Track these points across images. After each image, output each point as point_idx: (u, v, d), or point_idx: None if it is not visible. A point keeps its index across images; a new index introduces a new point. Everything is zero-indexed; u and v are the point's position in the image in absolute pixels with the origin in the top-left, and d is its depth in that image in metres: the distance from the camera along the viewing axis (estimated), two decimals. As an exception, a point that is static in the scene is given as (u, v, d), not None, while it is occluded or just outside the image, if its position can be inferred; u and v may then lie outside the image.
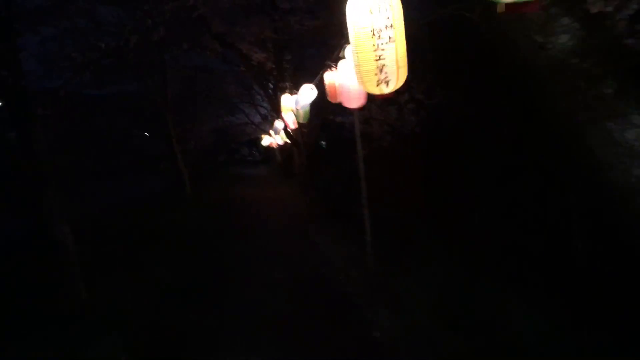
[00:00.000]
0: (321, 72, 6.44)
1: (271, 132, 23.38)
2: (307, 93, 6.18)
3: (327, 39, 14.73)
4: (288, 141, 13.81)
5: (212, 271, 6.05)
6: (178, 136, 17.42)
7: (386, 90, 2.63)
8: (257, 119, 25.52)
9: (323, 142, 21.84)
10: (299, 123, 14.21)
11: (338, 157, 15.39)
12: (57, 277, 5.27)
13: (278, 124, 12.15)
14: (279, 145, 22.15)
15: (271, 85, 15.90)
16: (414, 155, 8.64)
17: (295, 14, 13.16)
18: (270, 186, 17.74)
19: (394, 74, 2.51)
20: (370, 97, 4.65)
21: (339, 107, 9.06)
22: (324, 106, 12.71)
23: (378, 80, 2.53)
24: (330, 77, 5.59)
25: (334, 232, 7.99)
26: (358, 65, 2.53)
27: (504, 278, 4.46)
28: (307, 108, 6.75)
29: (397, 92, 8.09)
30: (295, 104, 6.83)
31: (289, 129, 12.14)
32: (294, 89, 8.98)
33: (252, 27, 12.29)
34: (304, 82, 6.50)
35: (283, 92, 13.41)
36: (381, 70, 2.47)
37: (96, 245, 7.07)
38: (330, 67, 5.28)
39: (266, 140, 25.69)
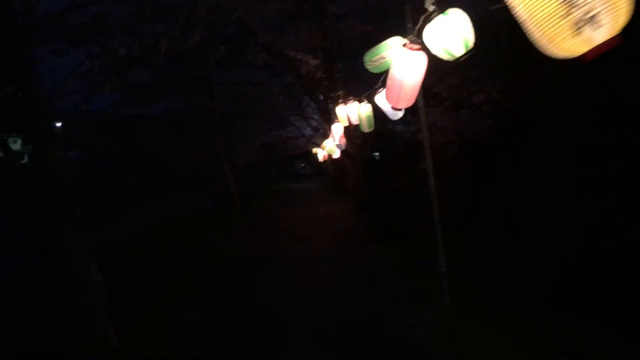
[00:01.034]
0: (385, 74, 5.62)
1: (323, 144, 22.70)
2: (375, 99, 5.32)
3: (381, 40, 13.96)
4: (337, 154, 12.91)
5: (254, 310, 5.17)
6: (227, 152, 16.97)
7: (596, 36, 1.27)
8: (308, 131, 24.85)
9: (376, 154, 20.84)
10: (350, 138, 13.38)
11: (395, 170, 14.34)
12: (82, 321, 4.54)
13: (330, 135, 11.26)
14: (331, 158, 21.39)
15: (322, 97, 15.11)
16: (489, 167, 7.50)
17: (345, 19, 12.37)
18: (323, 202, 16.85)
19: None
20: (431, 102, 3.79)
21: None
22: (376, 115, 11.74)
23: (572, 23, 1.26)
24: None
25: (394, 258, 6.95)
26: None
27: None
28: (371, 115, 5.89)
29: (468, 92, 6.94)
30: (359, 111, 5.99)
31: (341, 142, 11.26)
32: (347, 98, 8.10)
33: (300, 34, 11.56)
34: (357, 92, 5.98)
35: (335, 102, 12.61)
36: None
37: (132, 275, 6.40)
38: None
39: (318, 153, 24.97)
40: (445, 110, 7.56)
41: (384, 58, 3.56)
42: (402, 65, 3.01)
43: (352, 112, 7.14)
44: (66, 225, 4.59)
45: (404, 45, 2.98)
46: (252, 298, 5.59)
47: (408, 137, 19.95)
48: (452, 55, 2.58)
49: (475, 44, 2.58)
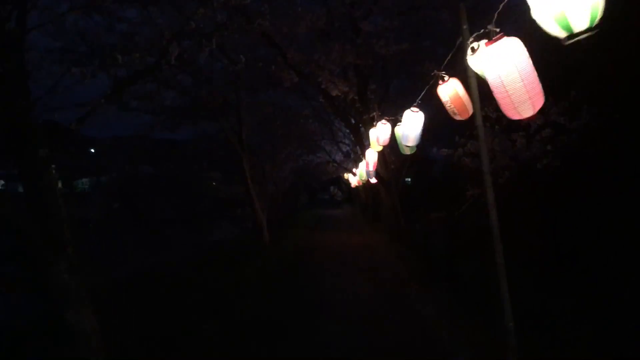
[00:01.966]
0: (425, 89, 4.91)
1: (354, 170, 21.88)
2: (412, 119, 4.63)
3: (413, 65, 13.16)
4: (373, 180, 12.04)
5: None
6: (256, 179, 16.34)
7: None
8: (339, 156, 24.14)
9: (408, 179, 19.88)
10: (384, 162, 12.50)
11: (433, 198, 13.32)
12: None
13: (363, 160, 10.42)
14: (363, 184, 20.55)
15: (353, 121, 14.37)
16: (552, 196, 6.50)
17: (379, 38, 11.68)
18: (355, 231, 15.91)
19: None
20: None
21: (432, 139, 7.41)
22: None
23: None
24: (447, 89, 3.99)
25: (442, 303, 5.96)
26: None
27: None
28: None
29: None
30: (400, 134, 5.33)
31: (375, 169, 10.43)
32: (381, 119, 7.32)
33: (332, 53, 10.88)
34: (390, 115, 5.92)
35: (367, 125, 11.83)
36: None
37: (146, 317, 5.64)
38: (441, 78, 4.08)
39: (349, 179, 24.16)
40: (495, 132, 6.64)
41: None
42: (493, 67, 2.38)
43: (386, 134, 6.37)
44: (61, 265, 3.90)
45: (486, 42, 2.44)
46: (275, 348, 4.71)
47: (446, 162, 19.00)
48: (568, 29, 1.73)
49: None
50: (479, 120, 4.56)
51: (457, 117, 4.05)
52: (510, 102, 2.37)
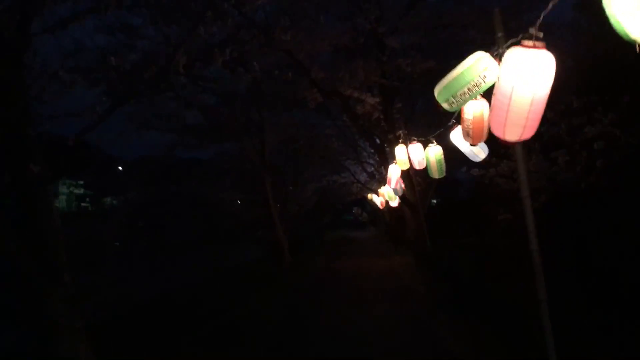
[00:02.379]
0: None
1: (379, 190, 21.36)
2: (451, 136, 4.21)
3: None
4: (395, 202, 11.55)
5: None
6: (278, 199, 16.02)
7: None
8: (363, 177, 23.65)
9: (433, 201, 19.24)
10: (410, 183, 12.01)
11: (460, 221, 12.74)
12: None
13: (387, 179, 9.96)
14: (388, 205, 20.00)
15: (378, 141, 13.95)
16: (591, 220, 5.91)
17: (405, 55, 11.35)
18: (379, 254, 15.34)
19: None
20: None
21: (458, 161, 6.54)
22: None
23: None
24: (475, 108, 3.52)
25: (473, 333, 5.43)
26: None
27: None
28: (442, 158, 5.05)
29: (568, 128, 5.54)
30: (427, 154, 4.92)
31: (397, 186, 9.96)
32: (410, 138, 6.92)
33: (356, 71, 10.56)
34: (417, 134, 5.60)
35: (393, 143, 11.41)
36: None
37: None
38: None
39: (374, 200, 23.65)
40: (532, 150, 6.15)
41: (476, 86, 2.63)
42: (513, 74, 1.95)
43: (415, 155, 5.84)
44: (57, 295, 3.58)
45: (520, 44, 1.93)
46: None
47: (472, 183, 18.36)
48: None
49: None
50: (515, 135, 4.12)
51: (469, 140, 3.59)
52: (504, 118, 2.07)
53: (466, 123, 3.73)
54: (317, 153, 18.32)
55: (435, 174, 5.43)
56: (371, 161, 21.93)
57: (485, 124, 3.66)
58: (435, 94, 2.86)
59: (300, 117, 16.34)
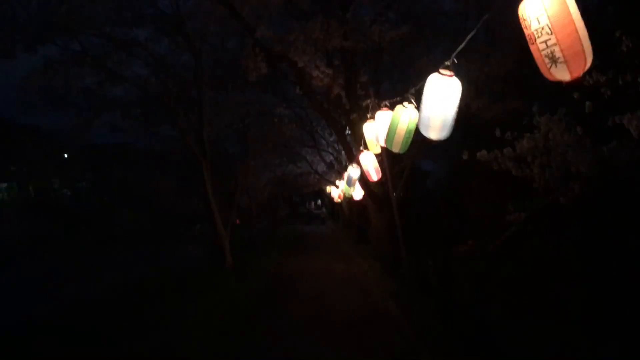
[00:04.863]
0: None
1: (337, 182, 19.49)
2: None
3: (410, 61, 10.85)
4: (358, 195, 9.60)
5: None
6: (225, 189, 13.81)
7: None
8: (322, 167, 21.75)
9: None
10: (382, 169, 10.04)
11: (434, 223, 10.88)
12: None
13: (351, 170, 7.84)
14: (346, 198, 18.24)
15: (343, 122, 11.81)
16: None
17: (373, 22, 9.39)
18: (338, 255, 13.37)
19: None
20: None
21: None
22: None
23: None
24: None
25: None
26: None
27: None
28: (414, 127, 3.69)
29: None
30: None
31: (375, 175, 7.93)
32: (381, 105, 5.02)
33: (312, 32, 8.46)
34: None
35: (356, 125, 9.43)
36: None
37: None
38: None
39: (332, 192, 21.81)
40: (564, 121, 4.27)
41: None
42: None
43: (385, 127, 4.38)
44: None
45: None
46: None
47: (441, 174, 16.62)
48: None
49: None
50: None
51: (558, 72, 1.93)
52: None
53: (536, 38, 1.75)
54: (270, 139, 16.13)
55: (398, 146, 3.69)
56: (330, 150, 20.06)
57: (580, 28, 1.68)
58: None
59: (252, 99, 14.16)
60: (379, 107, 5.96)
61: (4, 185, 22.28)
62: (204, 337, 5.62)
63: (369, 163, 6.01)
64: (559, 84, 1.95)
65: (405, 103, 3.74)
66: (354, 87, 10.32)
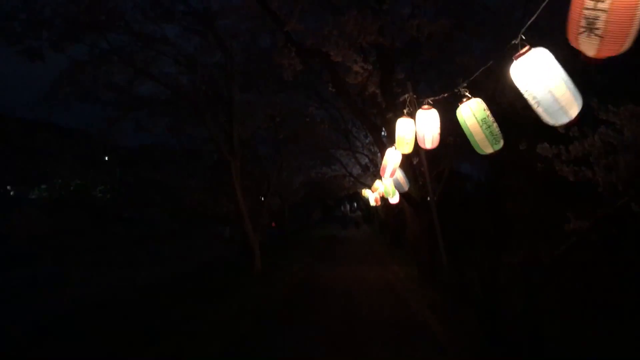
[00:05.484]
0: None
1: (374, 185, 18.92)
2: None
3: (449, 58, 10.26)
4: (395, 199, 9.05)
5: None
6: (259, 192, 13.54)
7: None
8: (357, 169, 21.23)
9: (428, 198, 16.72)
10: (412, 174, 9.53)
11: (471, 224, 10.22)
12: None
13: (382, 169, 7.36)
14: (384, 201, 17.62)
15: (378, 122, 11.23)
16: None
17: (410, 12, 8.89)
18: (372, 261, 12.78)
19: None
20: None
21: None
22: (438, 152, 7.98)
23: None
24: None
25: None
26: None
27: None
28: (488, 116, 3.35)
29: None
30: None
31: (394, 178, 7.42)
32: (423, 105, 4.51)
33: (347, 25, 8.01)
34: None
35: (391, 125, 8.90)
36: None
37: None
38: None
39: (368, 196, 21.23)
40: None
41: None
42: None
43: (427, 126, 4.26)
44: None
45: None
46: None
47: (474, 179, 15.80)
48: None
49: None
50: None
51: (585, 43, 1.62)
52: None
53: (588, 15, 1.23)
54: (303, 139, 15.76)
55: (486, 143, 3.12)
56: (365, 152, 19.53)
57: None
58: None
59: (284, 99, 13.84)
60: (417, 104, 5.46)
61: (43, 186, 23.01)
62: (214, 350, 5.25)
63: (390, 160, 5.56)
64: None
65: (464, 98, 3.36)
66: (390, 85, 9.81)
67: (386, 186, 9.10)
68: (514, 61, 2.39)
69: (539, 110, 2.29)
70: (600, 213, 4.02)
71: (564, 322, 4.15)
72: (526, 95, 2.35)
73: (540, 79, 2.24)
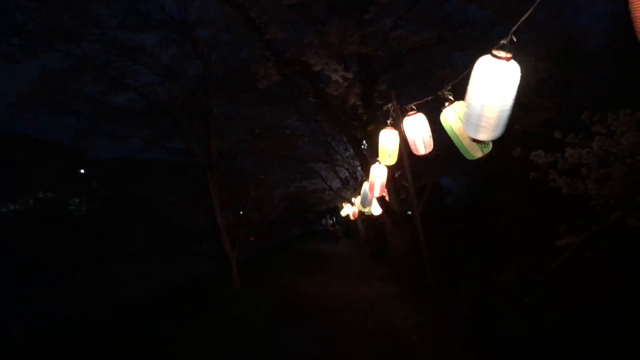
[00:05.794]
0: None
1: (353, 199, 18.75)
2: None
3: (430, 71, 10.18)
4: (377, 210, 8.78)
5: None
6: (238, 206, 13.19)
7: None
8: (336, 183, 21.10)
9: (409, 212, 16.68)
10: (394, 187, 9.34)
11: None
12: None
13: (369, 187, 7.07)
14: (362, 216, 17.49)
15: (359, 136, 11.00)
16: None
17: (394, 27, 8.74)
18: (356, 277, 12.48)
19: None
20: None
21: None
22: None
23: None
24: None
25: None
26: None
27: None
28: None
29: None
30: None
31: (379, 191, 7.16)
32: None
33: (328, 35, 7.83)
34: None
35: (373, 138, 8.71)
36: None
37: None
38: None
39: (347, 210, 21.07)
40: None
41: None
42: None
43: (417, 131, 4.03)
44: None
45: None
46: None
47: (463, 191, 15.72)
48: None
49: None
50: None
51: None
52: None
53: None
54: (283, 152, 15.49)
55: (474, 147, 2.97)
56: (345, 165, 19.41)
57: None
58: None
59: (262, 110, 13.57)
60: (400, 114, 5.24)
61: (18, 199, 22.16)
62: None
63: (378, 177, 5.32)
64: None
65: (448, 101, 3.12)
66: (372, 97, 9.63)
67: (362, 206, 8.83)
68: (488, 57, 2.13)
69: (483, 121, 2.15)
70: (594, 228, 3.82)
71: (564, 343, 3.89)
72: (473, 101, 2.15)
73: (502, 92, 2.05)
